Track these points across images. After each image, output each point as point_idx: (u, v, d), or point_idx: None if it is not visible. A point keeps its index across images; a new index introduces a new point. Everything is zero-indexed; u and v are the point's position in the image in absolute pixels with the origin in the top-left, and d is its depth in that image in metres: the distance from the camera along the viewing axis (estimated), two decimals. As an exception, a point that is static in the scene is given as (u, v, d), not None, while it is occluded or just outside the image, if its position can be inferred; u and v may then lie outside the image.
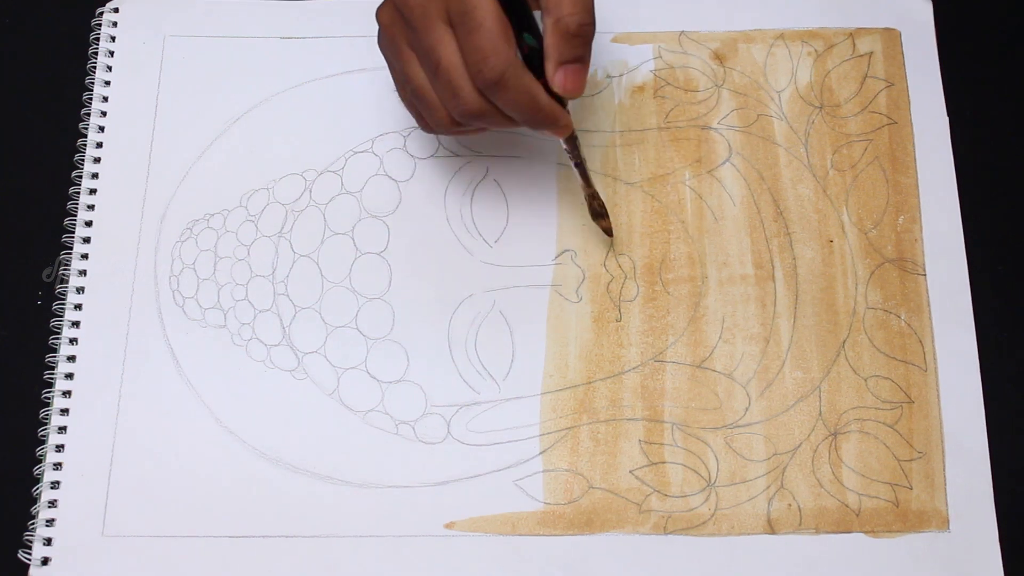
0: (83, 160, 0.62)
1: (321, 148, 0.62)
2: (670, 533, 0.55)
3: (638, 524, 0.55)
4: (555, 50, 0.50)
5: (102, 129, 0.63)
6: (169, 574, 0.54)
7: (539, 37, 0.51)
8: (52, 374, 0.58)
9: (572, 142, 0.55)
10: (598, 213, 0.59)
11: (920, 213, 0.60)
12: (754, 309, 0.59)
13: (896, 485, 0.55)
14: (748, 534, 0.55)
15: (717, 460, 0.56)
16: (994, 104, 0.63)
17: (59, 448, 0.57)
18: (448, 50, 0.50)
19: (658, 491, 0.56)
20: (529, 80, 0.50)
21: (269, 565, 0.55)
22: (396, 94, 0.56)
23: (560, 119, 0.52)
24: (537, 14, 0.51)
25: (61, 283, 0.60)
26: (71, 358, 0.58)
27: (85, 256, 0.60)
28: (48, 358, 0.58)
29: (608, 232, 0.59)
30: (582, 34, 0.50)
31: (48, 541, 0.55)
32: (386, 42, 0.54)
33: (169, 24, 0.65)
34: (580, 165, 0.56)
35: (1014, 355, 0.58)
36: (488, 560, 0.55)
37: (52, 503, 0.56)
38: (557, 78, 0.51)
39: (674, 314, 0.59)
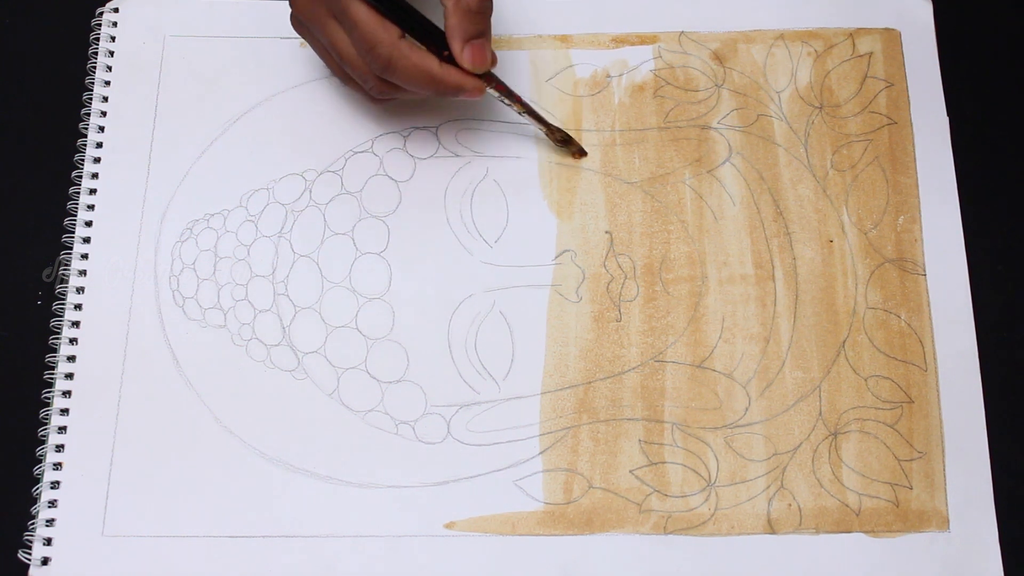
0: (83, 160, 0.62)
1: (321, 148, 0.62)
2: (670, 533, 0.55)
3: (638, 524, 0.55)
4: (459, 29, 0.54)
5: (102, 129, 0.63)
6: (169, 574, 0.54)
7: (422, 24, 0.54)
8: (52, 374, 0.58)
9: (508, 95, 0.57)
10: (565, 140, 0.61)
11: (920, 213, 0.60)
12: (754, 309, 0.59)
13: (896, 485, 0.55)
14: (748, 534, 0.55)
15: (717, 460, 0.56)
16: (994, 104, 0.63)
17: (59, 448, 0.57)
18: (342, 44, 0.55)
19: (658, 491, 0.56)
20: (418, 57, 0.54)
21: (269, 565, 0.55)
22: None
23: (465, 84, 0.55)
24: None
25: (61, 283, 0.60)
26: (71, 358, 0.58)
27: (85, 256, 0.60)
28: (48, 358, 0.58)
29: (582, 153, 0.61)
30: (482, 11, 0.54)
31: (48, 541, 0.55)
32: (309, 18, 0.56)
33: (169, 24, 0.65)
34: (527, 110, 0.59)
35: (1014, 355, 0.58)
36: (488, 560, 0.55)
37: (52, 503, 0.56)
38: (465, 55, 0.54)
39: (674, 314, 0.59)
